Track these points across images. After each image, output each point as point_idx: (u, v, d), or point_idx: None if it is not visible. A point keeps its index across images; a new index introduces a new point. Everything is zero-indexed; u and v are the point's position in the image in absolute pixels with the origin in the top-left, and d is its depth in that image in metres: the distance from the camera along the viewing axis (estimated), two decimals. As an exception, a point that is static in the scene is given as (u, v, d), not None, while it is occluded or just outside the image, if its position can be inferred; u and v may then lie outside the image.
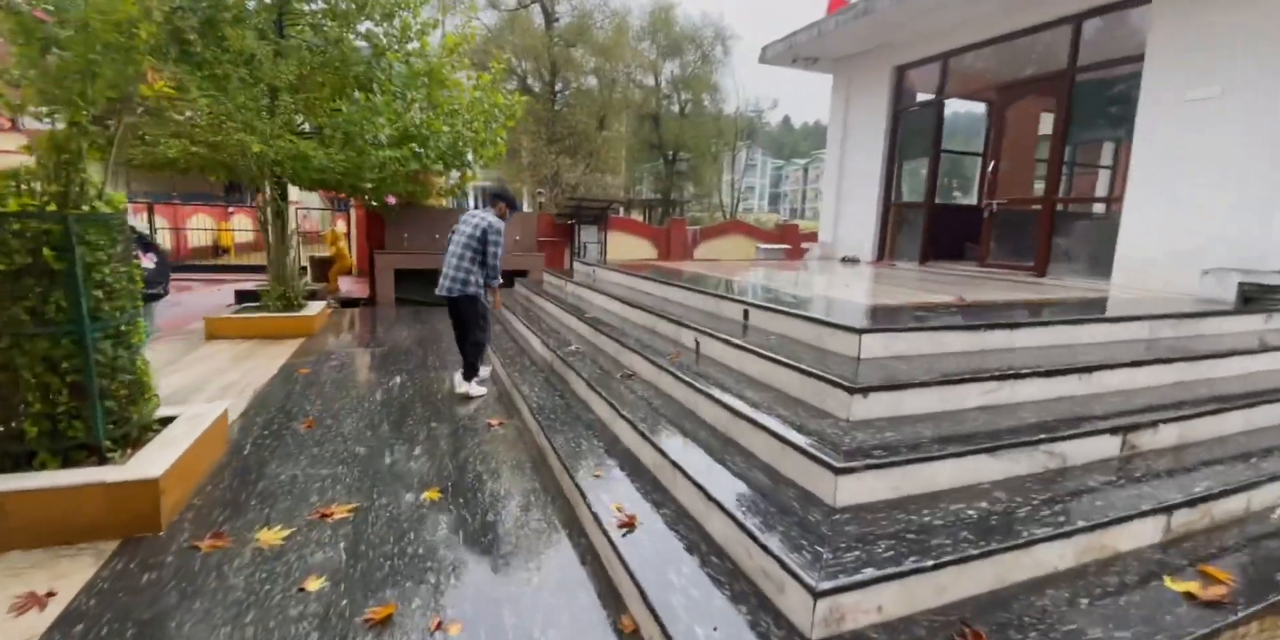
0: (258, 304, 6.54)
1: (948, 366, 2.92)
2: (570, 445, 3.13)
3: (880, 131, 8.22)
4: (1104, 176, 8.53)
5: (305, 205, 15.69)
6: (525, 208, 28.88)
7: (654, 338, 4.30)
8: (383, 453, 3.32)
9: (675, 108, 37.77)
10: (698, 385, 3.10)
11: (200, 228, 16.29)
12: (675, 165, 37.66)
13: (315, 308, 6.74)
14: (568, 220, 11.64)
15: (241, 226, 16.36)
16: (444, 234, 11.14)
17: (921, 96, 8.20)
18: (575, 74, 30.30)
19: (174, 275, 13.48)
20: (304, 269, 13.31)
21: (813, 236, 13.34)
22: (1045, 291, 5.05)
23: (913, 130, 8.10)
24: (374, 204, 9.44)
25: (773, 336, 3.52)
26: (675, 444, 2.72)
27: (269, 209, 6.31)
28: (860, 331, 2.93)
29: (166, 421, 3.04)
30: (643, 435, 2.86)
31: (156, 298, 4.14)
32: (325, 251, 11.57)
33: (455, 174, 11.11)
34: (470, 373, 4.63)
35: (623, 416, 3.14)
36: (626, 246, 12.01)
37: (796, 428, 2.45)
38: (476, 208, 4.78)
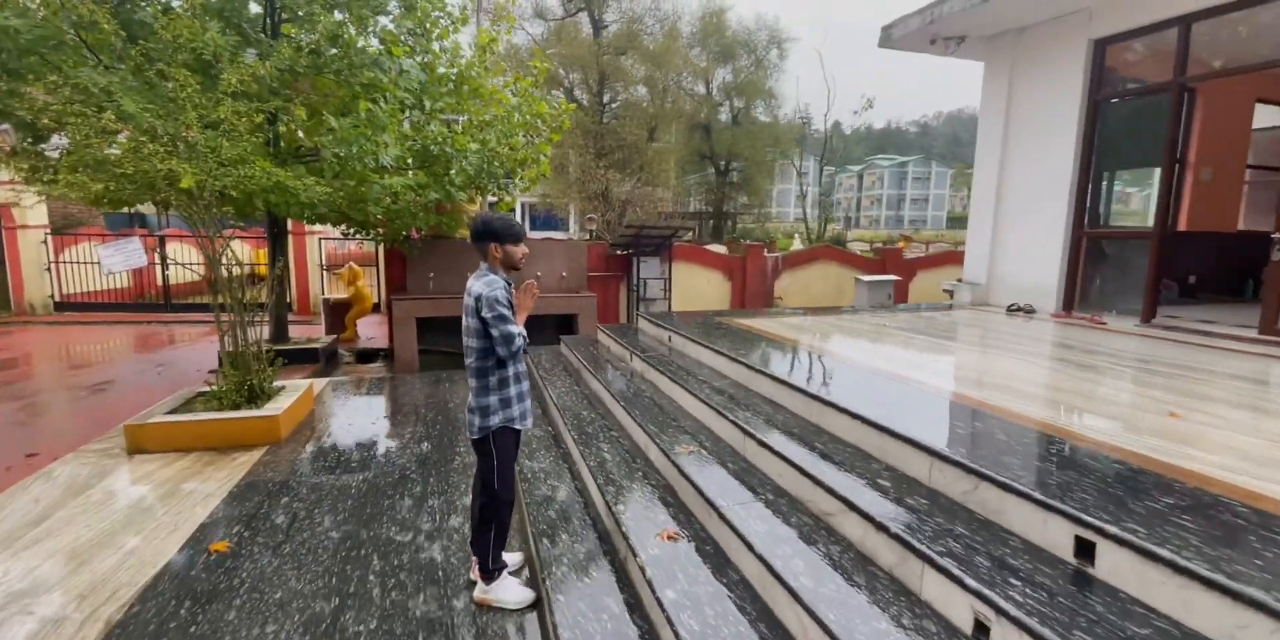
0: (213, 389, 4.72)
1: None
2: None
3: (1069, 131, 5.86)
4: None
5: (327, 235, 14.27)
6: (573, 233, 27.10)
7: (828, 541, 2.15)
8: None
9: (727, 116, 35.84)
10: None
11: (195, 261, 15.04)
12: (727, 176, 35.63)
13: (289, 397, 4.88)
14: (624, 251, 9.64)
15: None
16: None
17: (1129, 82, 5.83)
18: (624, 84, 28.73)
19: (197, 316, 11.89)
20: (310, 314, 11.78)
21: (919, 263, 10.90)
22: None
23: (1122, 128, 5.71)
24: (386, 240, 7.66)
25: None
26: None
27: (223, 254, 4.46)
28: None
29: None
30: None
31: None
32: (343, 292, 9.91)
33: (491, 198, 9.31)
34: (487, 569, 2.60)
35: None
36: (694, 280, 9.91)
37: None
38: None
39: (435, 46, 7.01)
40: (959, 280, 7.00)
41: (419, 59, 6.83)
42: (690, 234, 20.95)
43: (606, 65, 27.13)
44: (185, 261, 13.38)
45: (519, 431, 2.61)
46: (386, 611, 2.56)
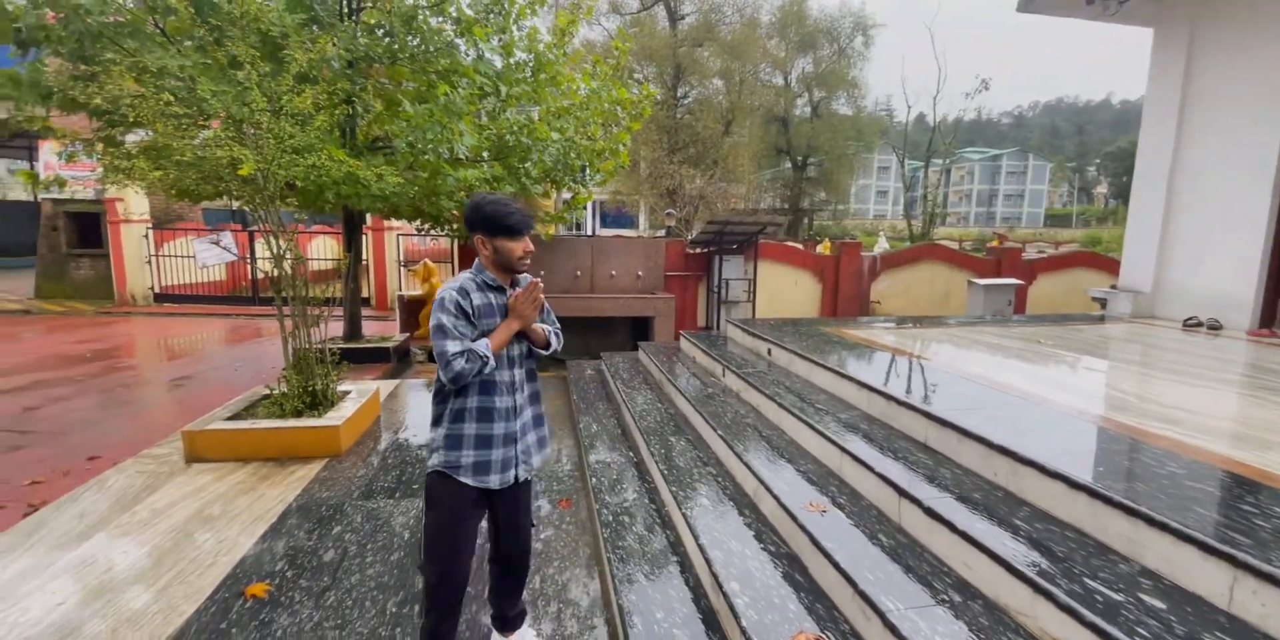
0: (275, 393, 4.43)
1: None
2: None
3: (1277, 105, 4.69)
4: None
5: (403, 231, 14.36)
6: (643, 230, 26.50)
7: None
8: None
9: (806, 108, 34.49)
10: None
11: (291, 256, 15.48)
12: (804, 170, 34.24)
13: (354, 403, 4.53)
14: (704, 249, 8.95)
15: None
16: (550, 269, 8.85)
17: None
18: (699, 77, 27.97)
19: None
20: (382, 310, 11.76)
21: (1040, 265, 9.59)
22: None
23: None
24: (460, 236, 7.33)
25: None
26: None
27: (285, 249, 4.13)
28: None
29: None
30: None
31: None
32: (418, 288, 9.76)
33: (566, 194, 8.86)
34: None
35: None
36: (781, 281, 9.09)
37: None
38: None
39: (514, 29, 6.57)
40: (1113, 287, 5.88)
41: (495, 42, 6.42)
42: (780, 230, 19.83)
43: (682, 58, 26.48)
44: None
45: (464, 486, 1.91)
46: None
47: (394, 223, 13.02)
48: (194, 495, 3.53)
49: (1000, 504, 2.10)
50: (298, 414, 4.31)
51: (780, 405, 3.39)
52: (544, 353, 2.00)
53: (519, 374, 1.97)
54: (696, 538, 2.50)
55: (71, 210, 12.40)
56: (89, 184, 10.75)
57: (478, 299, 1.85)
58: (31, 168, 18.14)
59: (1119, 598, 1.57)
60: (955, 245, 21.64)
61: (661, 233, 21.66)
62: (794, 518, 2.36)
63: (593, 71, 7.36)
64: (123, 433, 4.77)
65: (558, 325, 2.08)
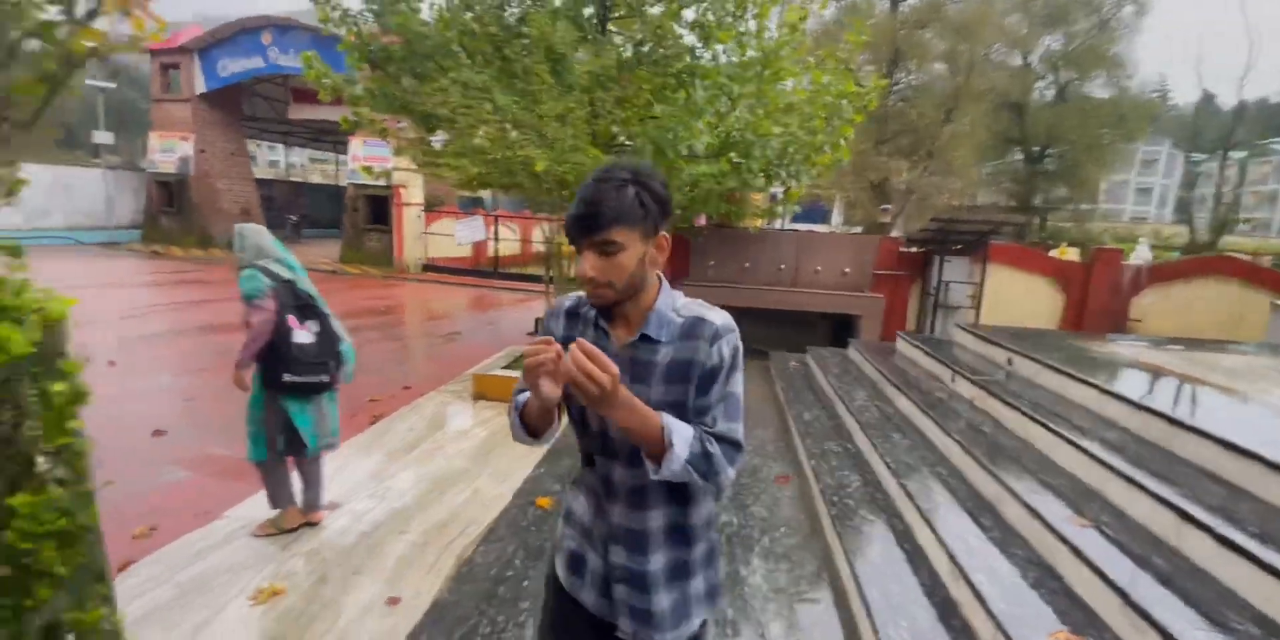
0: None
1: None
2: None
3: None
4: None
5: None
6: (836, 225, 25.40)
7: None
8: None
9: (1047, 92, 30.01)
10: None
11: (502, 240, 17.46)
12: (1040, 163, 29.89)
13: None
14: (920, 248, 8.48)
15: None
16: (755, 262, 9.09)
17: None
18: (919, 61, 25.72)
19: (514, 283, 14.13)
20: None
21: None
22: None
23: None
24: (681, 226, 7.86)
25: None
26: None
27: (557, 234, 4.94)
28: None
29: None
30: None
31: (316, 389, 2.70)
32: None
33: (778, 188, 8.98)
34: None
35: None
36: (1011, 287, 8.27)
37: None
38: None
39: (751, 25, 6.84)
40: None
41: (733, 38, 6.74)
42: (1015, 230, 17.63)
43: (902, 41, 24.58)
44: (506, 238, 15.86)
45: (555, 580, 1.25)
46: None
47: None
48: (483, 425, 4.44)
49: (1321, 545, 1.90)
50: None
51: (1028, 416, 3.27)
52: (656, 473, 1.01)
53: (607, 465, 1.14)
54: (933, 529, 2.59)
55: (368, 194, 15.51)
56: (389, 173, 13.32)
57: (562, 328, 1.18)
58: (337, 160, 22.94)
59: None
60: (1249, 258, 17.41)
61: (858, 229, 20.56)
62: (1049, 526, 2.34)
63: (820, 64, 7.36)
64: (423, 370, 6.06)
65: (731, 425, 1.07)
